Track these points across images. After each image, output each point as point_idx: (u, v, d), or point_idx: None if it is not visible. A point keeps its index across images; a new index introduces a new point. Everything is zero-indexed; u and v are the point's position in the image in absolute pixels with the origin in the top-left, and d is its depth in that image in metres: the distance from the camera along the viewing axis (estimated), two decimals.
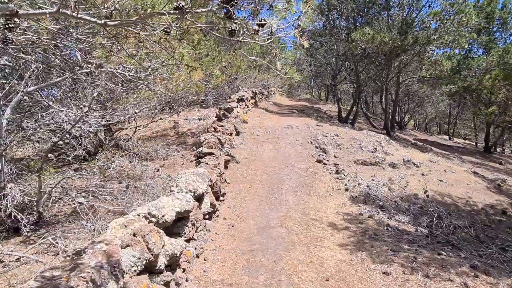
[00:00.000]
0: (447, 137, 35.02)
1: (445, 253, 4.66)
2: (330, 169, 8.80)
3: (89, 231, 5.03)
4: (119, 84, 7.09)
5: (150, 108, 8.63)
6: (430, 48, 14.21)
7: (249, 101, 15.92)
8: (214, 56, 9.30)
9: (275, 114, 15.87)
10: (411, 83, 19.76)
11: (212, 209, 5.63)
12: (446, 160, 12.23)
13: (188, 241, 4.54)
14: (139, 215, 3.75)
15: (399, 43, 13.21)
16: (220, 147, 8.31)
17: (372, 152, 10.05)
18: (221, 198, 6.55)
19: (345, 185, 7.93)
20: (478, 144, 33.57)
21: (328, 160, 9.28)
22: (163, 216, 3.81)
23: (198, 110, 13.96)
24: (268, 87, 27.36)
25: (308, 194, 7.07)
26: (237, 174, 8.07)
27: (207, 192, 5.56)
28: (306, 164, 8.90)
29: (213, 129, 9.09)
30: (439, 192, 8.18)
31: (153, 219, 3.75)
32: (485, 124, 25.08)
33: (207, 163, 6.55)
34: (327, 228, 5.53)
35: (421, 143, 18.96)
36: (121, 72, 6.39)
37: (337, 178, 8.33)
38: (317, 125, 12.25)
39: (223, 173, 7.33)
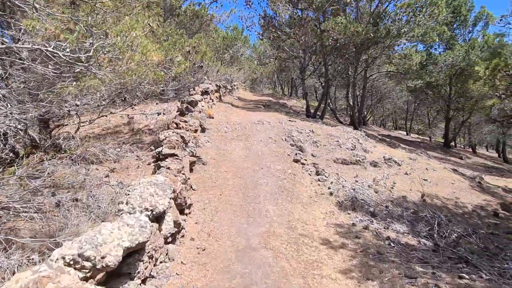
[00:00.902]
0: (404, 132, 36.24)
1: (467, 277, 3.84)
2: (310, 170, 7.85)
3: None
4: (53, 67, 5.54)
5: (97, 100, 7.07)
6: (401, 41, 13.88)
7: (213, 94, 14.58)
8: (176, 39, 7.89)
9: (242, 108, 14.70)
10: (378, 78, 19.61)
11: (176, 229, 4.37)
12: (420, 157, 11.88)
13: (144, 281, 3.27)
14: (64, 258, 2.44)
15: (372, 35, 12.62)
16: (184, 146, 7.00)
17: (351, 149, 9.27)
18: (186, 211, 5.29)
19: (329, 188, 7.01)
20: (432, 139, 35.14)
21: (306, 160, 8.32)
22: (103, 257, 2.51)
23: (156, 104, 12.38)
24: (232, 81, 26.15)
25: (291, 202, 6.03)
26: (205, 178, 6.83)
27: (170, 207, 4.28)
28: (283, 164, 7.86)
29: (174, 125, 7.73)
30: (427, 193, 7.55)
31: (87, 264, 2.44)
32: (443, 120, 25.99)
33: (168, 168, 5.24)
34: (321, 247, 4.51)
35: (388, 139, 18.91)
36: (53, 50, 4.88)
37: (319, 180, 7.39)
38: (289, 120, 11.29)
39: (188, 178, 6.05)
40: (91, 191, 5.90)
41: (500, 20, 16.36)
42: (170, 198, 4.10)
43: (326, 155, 8.88)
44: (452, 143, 25.00)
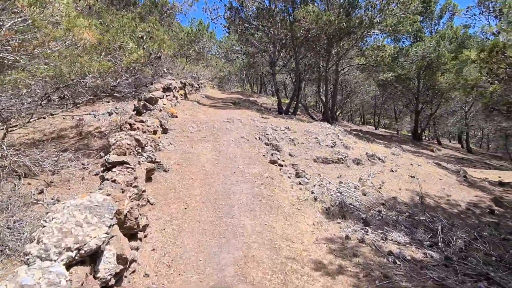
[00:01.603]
0: (372, 127, 36.65)
1: None
2: (289, 172, 6.91)
3: None
4: None
5: (23, 98, 5.68)
6: (374, 32, 13.36)
7: (178, 91, 13.30)
8: (125, 23, 6.62)
9: (210, 107, 13.54)
10: (349, 72, 19.18)
11: (122, 266, 3.22)
12: (402, 151, 11.35)
13: None
14: None
15: (345, 24, 11.94)
16: (140, 151, 5.79)
17: (332, 147, 8.46)
18: (140, 234, 4.13)
19: (312, 192, 6.10)
20: (399, 132, 35.75)
21: (283, 160, 7.38)
22: None
23: (109, 102, 10.96)
24: (198, 79, 24.92)
25: (271, 212, 5.04)
26: (167, 188, 5.67)
27: (112, 237, 3.14)
28: (259, 167, 6.86)
29: (128, 126, 6.48)
30: (416, 191, 6.85)
31: None
32: (413, 113, 26.24)
33: (114, 181, 4.06)
34: (315, 274, 3.55)
35: (362, 134, 18.55)
36: None
37: (300, 183, 6.47)
38: (262, 117, 10.30)
39: (144, 191, 4.88)
40: (15, 214, 4.58)
41: (466, 12, 16.40)
42: (111, 226, 2.96)
43: (305, 154, 7.99)
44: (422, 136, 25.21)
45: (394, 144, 17.21)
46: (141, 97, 8.08)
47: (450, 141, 40.14)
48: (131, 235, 3.92)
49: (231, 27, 16.34)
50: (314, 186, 6.40)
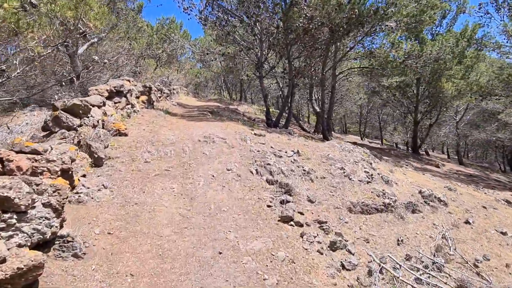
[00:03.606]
0: (355, 136, 34.59)
1: None
2: (317, 238, 3.83)
3: None
4: None
5: None
6: (387, 25, 10.71)
7: (137, 98, 9.99)
8: None
9: (181, 117, 10.28)
10: (348, 76, 16.56)
11: None
12: (447, 181, 8.56)
13: None
14: None
15: (357, 11, 9.15)
16: (16, 218, 2.52)
17: (368, 182, 5.47)
18: None
19: (367, 278, 3.04)
20: (397, 145, 33.91)
21: (302, 213, 4.30)
22: None
23: (34, 110, 7.55)
24: (170, 84, 21.60)
25: None
26: None
27: None
28: (264, 234, 3.73)
29: None
30: None
31: None
32: (411, 124, 24.08)
33: None
34: None
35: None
36: None
37: (342, 266, 3.41)
38: (255, 134, 7.15)
39: None
40: None
41: (479, 9, 14.15)
42: None
43: (332, 196, 4.94)
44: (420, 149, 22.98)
45: (404, 161, 14.62)
46: (58, 105, 4.73)
47: (433, 151, 38.75)
48: None
49: (208, 19, 13.20)
50: (370, 273, 3.34)
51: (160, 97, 15.90)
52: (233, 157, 5.53)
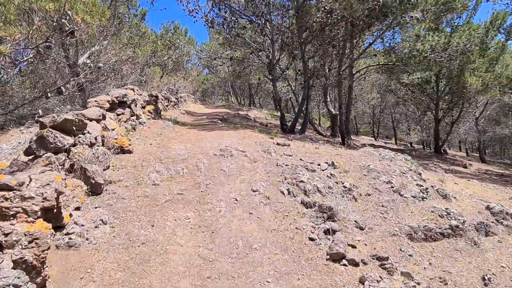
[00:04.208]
0: (370, 138, 33.48)
1: None
2: (381, 283, 2.88)
3: None
4: None
5: None
6: (411, 16, 9.74)
7: (143, 108, 9.21)
8: None
9: (191, 127, 9.45)
10: (366, 74, 15.56)
11: None
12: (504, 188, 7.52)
13: None
14: None
15: (381, 1, 8.21)
16: None
17: (423, 199, 4.51)
18: None
19: None
20: (412, 144, 32.68)
21: (354, 246, 3.36)
22: None
23: (29, 128, 6.78)
24: (177, 92, 20.91)
25: None
26: None
27: None
28: (312, 283, 2.79)
29: None
30: None
31: None
32: (429, 122, 22.93)
33: None
34: None
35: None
36: None
37: None
38: (277, 144, 6.23)
39: None
40: None
41: None
42: None
43: (384, 219, 3.99)
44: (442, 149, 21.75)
45: (432, 163, 13.54)
46: (44, 121, 3.89)
47: (449, 149, 37.28)
48: None
49: (214, 21, 12.40)
50: None
51: (167, 106, 15.17)
52: (257, 174, 4.62)
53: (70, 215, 3.24)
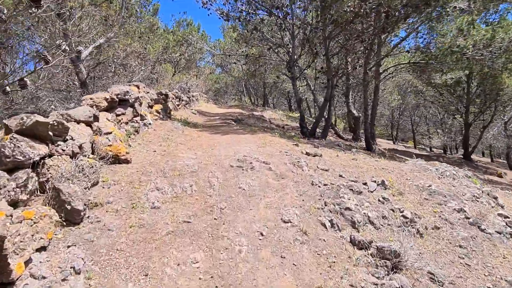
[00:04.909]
0: (388, 141, 32.10)
1: None
2: None
3: None
4: None
5: None
6: (454, 7, 8.52)
7: (150, 107, 8.27)
8: None
9: (203, 129, 8.45)
10: (394, 73, 14.28)
11: None
12: None
13: None
14: None
15: None
16: None
17: (510, 236, 3.33)
18: None
19: None
20: (431, 149, 31.16)
21: None
22: None
23: None
24: (189, 91, 20.04)
25: None
26: None
27: None
28: None
29: None
30: None
31: None
32: (462, 125, 21.47)
33: None
34: None
35: (398, 155, 13.76)
36: None
37: None
38: (307, 154, 5.12)
39: None
40: None
41: None
42: None
43: (468, 270, 2.86)
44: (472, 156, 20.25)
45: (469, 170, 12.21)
46: (10, 124, 2.91)
47: (483, 155, 35.51)
48: None
49: (231, 14, 11.37)
50: None
51: (178, 105, 14.27)
52: (287, 196, 3.55)
53: (27, 262, 2.25)
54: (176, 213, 3.30)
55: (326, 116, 11.79)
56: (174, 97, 13.53)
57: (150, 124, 6.96)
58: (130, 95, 6.02)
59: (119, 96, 5.73)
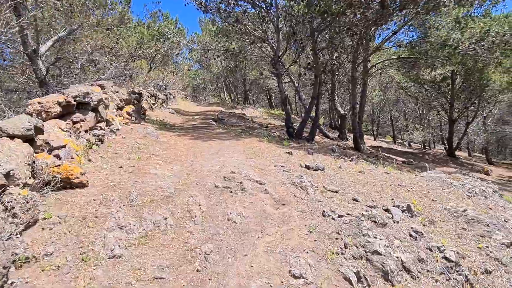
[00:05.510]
0: (368, 137, 32.08)
1: None
2: None
3: None
4: None
5: None
6: None
7: (120, 109, 7.24)
8: None
9: (181, 133, 7.49)
10: (383, 68, 13.74)
11: None
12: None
13: None
14: None
15: None
16: None
17: None
18: None
19: None
20: (410, 144, 31.32)
21: None
22: None
23: None
24: (165, 89, 18.92)
25: None
26: None
27: None
28: None
29: None
30: None
31: None
32: (443, 120, 21.41)
33: None
34: None
35: (382, 153, 13.39)
36: None
37: None
38: (306, 167, 4.29)
39: None
40: None
41: None
42: None
43: None
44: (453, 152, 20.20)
45: (464, 171, 11.86)
46: None
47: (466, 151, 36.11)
48: None
49: (210, 5, 10.36)
50: None
51: (154, 104, 13.20)
52: (294, 234, 2.71)
53: None
54: (145, 264, 2.40)
55: (314, 115, 11.06)
56: (149, 96, 12.46)
57: (118, 129, 5.95)
58: (91, 97, 4.99)
59: (77, 98, 4.70)
